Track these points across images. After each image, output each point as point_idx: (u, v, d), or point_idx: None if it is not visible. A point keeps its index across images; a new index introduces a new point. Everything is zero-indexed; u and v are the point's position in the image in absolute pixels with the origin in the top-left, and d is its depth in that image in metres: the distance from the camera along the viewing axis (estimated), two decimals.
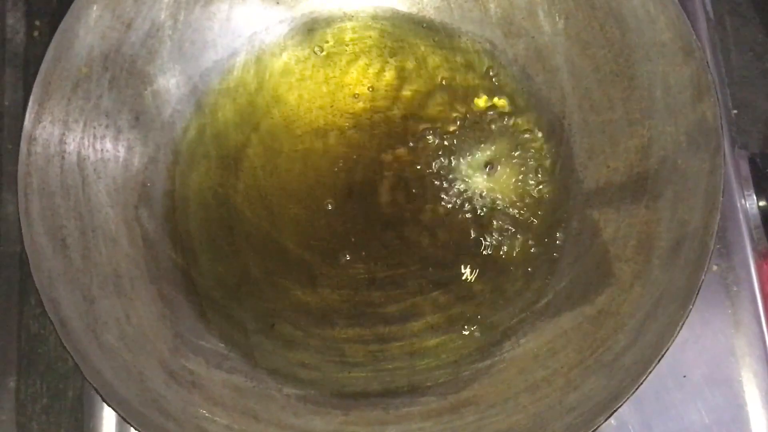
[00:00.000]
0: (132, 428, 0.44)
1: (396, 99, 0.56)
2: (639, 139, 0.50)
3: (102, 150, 0.52)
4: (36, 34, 0.69)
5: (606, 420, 0.43)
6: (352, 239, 0.53)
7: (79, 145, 0.51)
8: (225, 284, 0.52)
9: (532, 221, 0.53)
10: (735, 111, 0.65)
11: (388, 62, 0.57)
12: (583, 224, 0.51)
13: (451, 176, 0.54)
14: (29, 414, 0.61)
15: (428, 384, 0.49)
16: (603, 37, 0.52)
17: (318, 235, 0.54)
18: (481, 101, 0.55)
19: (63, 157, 0.50)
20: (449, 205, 0.53)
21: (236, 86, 0.56)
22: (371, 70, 0.57)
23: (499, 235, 0.53)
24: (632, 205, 0.49)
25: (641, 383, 0.43)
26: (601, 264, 0.49)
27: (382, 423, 0.48)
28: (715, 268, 0.54)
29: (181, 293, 0.52)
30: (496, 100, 0.55)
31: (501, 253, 0.52)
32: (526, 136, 0.54)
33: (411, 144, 0.55)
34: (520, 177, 0.54)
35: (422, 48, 0.57)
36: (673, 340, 0.43)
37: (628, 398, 0.43)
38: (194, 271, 0.53)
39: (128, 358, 0.47)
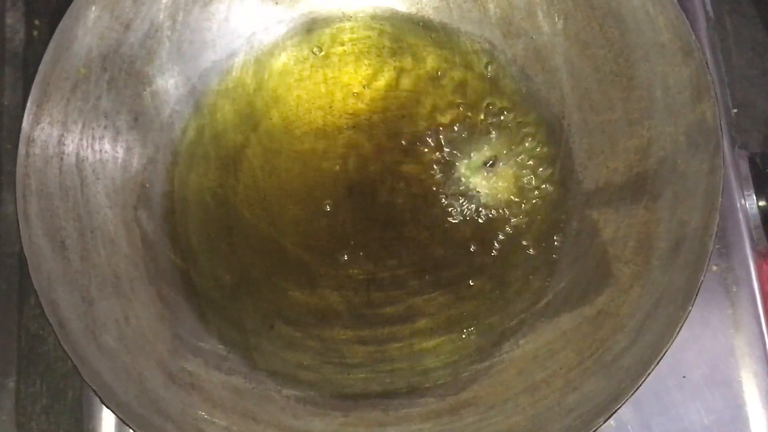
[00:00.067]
0: (131, 430, 0.44)
1: (395, 99, 0.56)
2: (638, 139, 0.50)
3: (101, 151, 0.52)
4: (35, 33, 0.69)
5: (605, 421, 0.43)
6: (352, 240, 0.53)
7: (78, 146, 0.51)
8: (224, 285, 0.52)
9: (532, 222, 0.53)
10: (735, 110, 0.65)
11: (387, 62, 0.56)
12: (583, 225, 0.51)
13: (450, 176, 0.54)
14: (29, 414, 0.61)
15: (427, 385, 0.49)
16: (602, 38, 0.52)
17: (317, 236, 0.53)
18: (480, 101, 0.55)
19: (61, 159, 0.50)
20: (448, 206, 0.53)
21: (235, 87, 0.56)
22: (370, 71, 0.56)
23: (498, 236, 0.53)
24: (632, 205, 0.49)
25: (641, 384, 0.43)
26: (600, 265, 0.49)
27: (382, 424, 0.48)
28: (714, 268, 0.54)
29: (180, 294, 0.52)
30: (495, 100, 0.55)
31: (500, 253, 0.52)
32: (526, 136, 0.54)
33: (410, 144, 0.55)
34: (519, 177, 0.54)
35: (421, 48, 0.57)
36: (673, 341, 0.43)
37: (627, 399, 0.43)
38: (193, 271, 0.53)
39: (127, 360, 0.47)
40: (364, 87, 0.56)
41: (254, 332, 0.51)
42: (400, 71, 0.56)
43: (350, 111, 0.56)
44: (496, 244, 0.52)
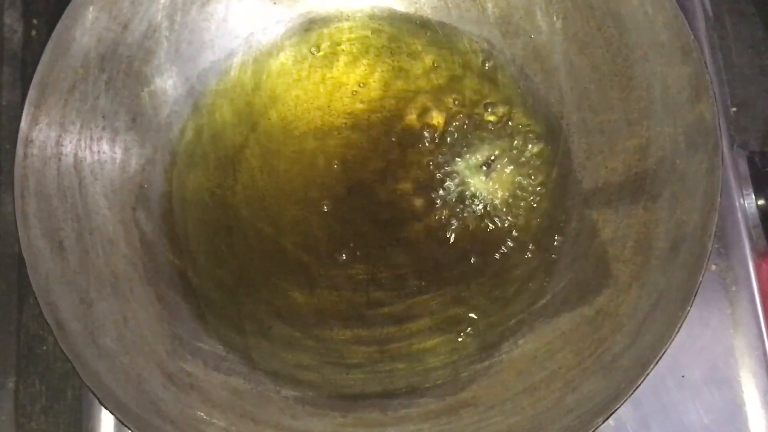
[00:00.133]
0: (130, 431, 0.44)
1: (393, 99, 0.56)
2: (637, 139, 0.50)
3: (99, 152, 0.52)
4: (33, 33, 0.69)
5: (605, 421, 0.43)
6: (350, 240, 0.53)
7: (76, 147, 0.51)
8: (223, 286, 0.52)
9: (531, 222, 0.53)
10: (734, 109, 0.65)
11: (385, 62, 0.56)
12: (582, 225, 0.51)
13: (448, 176, 0.54)
14: (28, 414, 0.61)
15: (427, 385, 0.49)
16: (601, 37, 0.52)
17: (316, 236, 0.53)
18: (479, 101, 0.55)
19: (60, 159, 0.50)
20: (447, 206, 0.53)
21: (233, 87, 0.56)
22: (368, 70, 0.56)
23: (497, 236, 0.53)
24: (631, 205, 0.49)
25: (640, 384, 0.43)
26: (599, 265, 0.49)
27: (381, 425, 0.48)
28: (713, 267, 0.54)
29: (179, 295, 0.52)
30: (493, 100, 0.55)
31: (499, 253, 0.52)
32: (525, 136, 0.54)
33: (408, 144, 0.55)
34: (518, 177, 0.54)
35: (419, 48, 0.56)
36: (672, 341, 0.43)
37: (626, 399, 0.43)
38: (192, 272, 0.52)
39: (126, 361, 0.47)
40: (362, 87, 0.56)
41: (253, 332, 0.51)
42: (399, 71, 0.56)
43: (348, 111, 0.56)
44: (495, 245, 0.52)
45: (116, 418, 0.44)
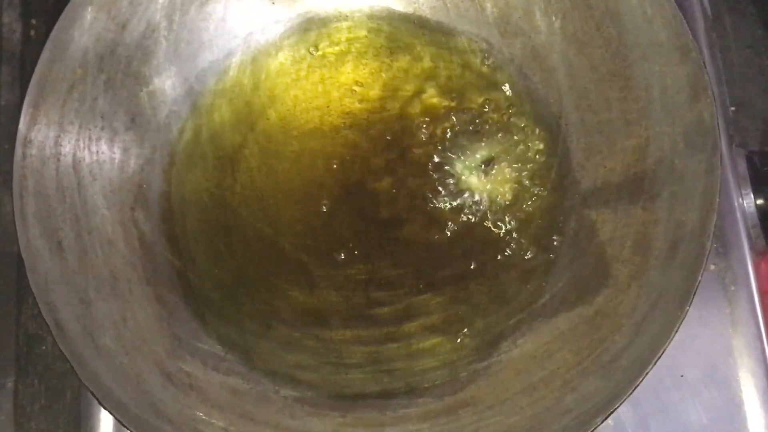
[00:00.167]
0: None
1: (392, 99, 0.56)
2: (636, 139, 0.50)
3: (97, 152, 0.52)
4: (32, 33, 0.69)
5: (604, 421, 0.43)
6: (349, 240, 0.53)
7: (75, 147, 0.51)
8: (222, 286, 0.52)
9: (529, 221, 0.53)
10: (733, 108, 0.65)
11: (384, 62, 0.56)
12: (581, 225, 0.51)
13: (447, 176, 0.54)
14: (27, 414, 0.61)
15: (425, 385, 0.49)
16: (600, 37, 0.52)
17: (315, 236, 0.53)
18: (478, 101, 0.55)
19: (58, 160, 0.50)
20: (445, 206, 0.53)
21: (232, 87, 0.56)
22: (367, 70, 0.56)
23: (496, 236, 0.53)
24: (629, 205, 0.49)
25: (638, 384, 0.43)
26: (598, 265, 0.49)
27: (380, 424, 0.48)
28: (712, 267, 0.54)
29: (178, 295, 0.52)
30: (492, 100, 0.55)
31: (498, 253, 0.52)
32: (523, 136, 0.54)
33: (407, 144, 0.55)
34: (517, 177, 0.54)
35: (418, 47, 0.56)
36: (670, 341, 0.43)
37: (625, 399, 0.43)
38: (191, 272, 0.52)
39: (125, 361, 0.47)
40: (360, 86, 0.56)
41: (252, 333, 0.51)
42: (397, 71, 0.56)
43: (347, 111, 0.56)
44: (493, 245, 0.52)
45: (115, 418, 0.44)
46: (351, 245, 0.53)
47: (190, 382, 0.48)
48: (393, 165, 0.54)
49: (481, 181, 0.54)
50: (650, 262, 0.47)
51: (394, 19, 0.57)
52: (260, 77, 0.56)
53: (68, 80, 0.50)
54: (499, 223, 0.53)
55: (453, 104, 0.55)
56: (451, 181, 0.54)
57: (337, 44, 0.57)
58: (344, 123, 0.55)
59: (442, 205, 0.53)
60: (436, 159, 0.54)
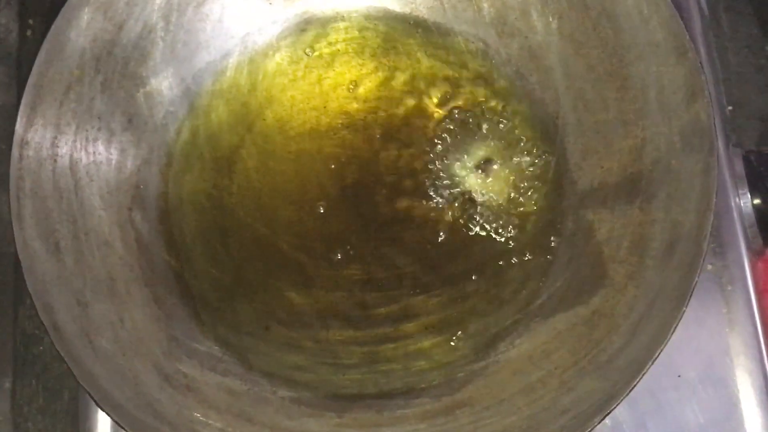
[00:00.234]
0: None
1: (389, 99, 0.56)
2: (633, 139, 0.50)
3: (94, 153, 0.52)
4: (29, 33, 0.69)
5: (601, 421, 0.43)
6: (346, 240, 0.53)
7: (72, 148, 0.51)
8: (219, 286, 0.52)
9: (526, 222, 0.53)
10: (730, 108, 0.65)
11: (381, 62, 0.56)
12: (578, 225, 0.51)
13: (444, 176, 0.54)
14: (25, 414, 0.61)
15: (423, 386, 0.49)
16: (596, 37, 0.52)
17: (312, 237, 0.53)
18: (475, 101, 0.55)
19: (55, 161, 0.50)
20: (442, 206, 0.53)
21: (229, 87, 0.56)
22: (364, 71, 0.56)
23: (493, 236, 0.53)
24: (626, 205, 0.49)
25: (636, 384, 0.43)
26: (595, 265, 0.49)
27: (377, 425, 0.48)
28: (709, 267, 0.54)
29: (175, 296, 0.52)
30: (489, 100, 0.55)
31: (495, 254, 0.52)
32: (520, 136, 0.54)
33: (404, 144, 0.55)
34: (514, 177, 0.54)
35: (415, 48, 0.56)
36: (667, 342, 0.43)
37: (622, 399, 0.43)
38: (188, 273, 0.52)
39: (122, 362, 0.47)
40: (358, 87, 0.56)
41: (249, 333, 0.51)
42: (394, 71, 0.56)
43: (344, 111, 0.56)
44: (490, 245, 0.52)
45: (112, 419, 0.44)
46: (348, 246, 0.53)
47: (188, 383, 0.48)
48: (389, 165, 0.54)
49: (478, 181, 0.54)
50: (647, 263, 0.47)
51: (391, 19, 0.57)
52: (257, 78, 0.56)
53: (65, 81, 0.50)
54: (495, 223, 0.53)
55: (450, 105, 0.55)
56: (448, 182, 0.54)
57: (335, 44, 0.57)
58: (341, 123, 0.55)
59: (438, 205, 0.53)
60: (433, 159, 0.54)
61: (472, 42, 0.56)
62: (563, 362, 0.47)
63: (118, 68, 0.53)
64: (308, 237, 0.53)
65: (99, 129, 0.52)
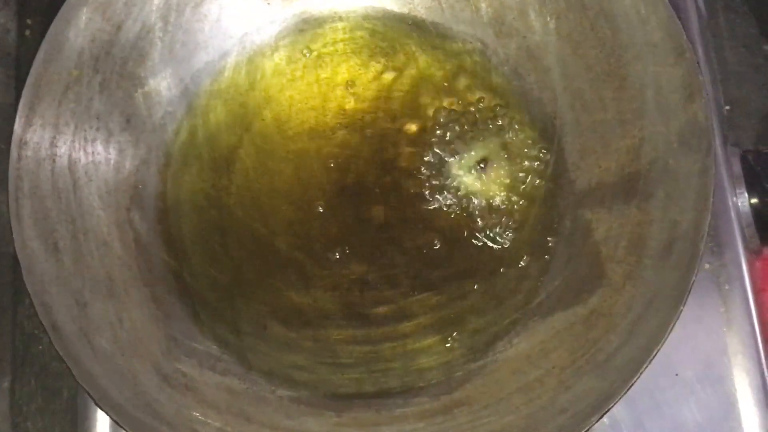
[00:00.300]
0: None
1: (387, 99, 0.56)
2: (630, 139, 0.50)
3: (93, 153, 0.52)
4: (28, 33, 0.69)
5: (599, 420, 0.43)
6: (345, 240, 0.53)
7: (70, 148, 0.51)
8: (218, 286, 0.52)
9: (524, 221, 0.53)
10: (727, 107, 0.65)
11: (379, 62, 0.56)
12: (576, 224, 0.51)
13: (442, 176, 0.54)
14: (24, 414, 0.61)
15: (421, 385, 0.49)
16: (594, 37, 0.52)
17: (310, 236, 0.53)
18: (473, 101, 0.55)
19: (54, 161, 0.50)
20: (441, 206, 0.53)
21: (228, 87, 0.56)
22: (362, 71, 0.56)
23: (491, 236, 0.53)
24: (624, 205, 0.50)
25: (633, 383, 0.43)
26: (593, 265, 0.49)
27: (375, 424, 0.48)
28: (707, 266, 0.54)
29: (174, 295, 0.52)
30: (487, 100, 0.55)
31: (493, 253, 0.52)
32: (518, 135, 0.54)
33: (402, 144, 0.55)
34: (512, 177, 0.54)
35: (413, 48, 0.57)
36: (665, 341, 0.43)
37: (620, 398, 0.43)
38: (187, 273, 0.53)
39: (121, 362, 0.47)
40: (356, 87, 0.56)
41: (248, 333, 0.51)
42: (393, 71, 0.56)
43: (342, 111, 0.56)
44: (488, 244, 0.53)
45: (112, 418, 0.44)
46: (346, 245, 0.53)
47: (187, 383, 0.48)
48: (388, 165, 0.54)
49: (476, 181, 0.54)
50: (645, 262, 0.47)
51: (389, 19, 0.57)
52: (255, 78, 0.56)
53: (64, 81, 0.50)
54: (494, 222, 0.53)
55: (448, 104, 0.55)
56: (446, 182, 0.54)
57: (333, 44, 0.57)
58: (339, 123, 0.55)
59: (436, 204, 0.54)
60: (431, 159, 0.54)
61: (470, 42, 0.56)
62: (561, 361, 0.47)
63: (117, 68, 0.53)
64: (307, 237, 0.53)
65: (97, 129, 0.52)
